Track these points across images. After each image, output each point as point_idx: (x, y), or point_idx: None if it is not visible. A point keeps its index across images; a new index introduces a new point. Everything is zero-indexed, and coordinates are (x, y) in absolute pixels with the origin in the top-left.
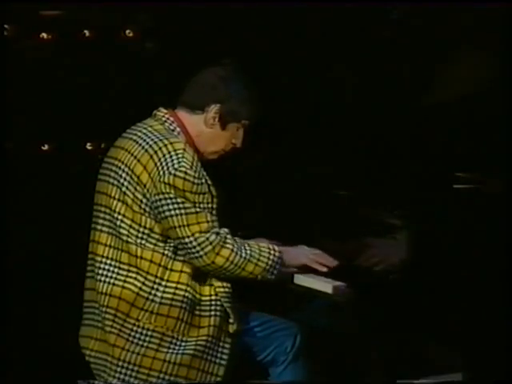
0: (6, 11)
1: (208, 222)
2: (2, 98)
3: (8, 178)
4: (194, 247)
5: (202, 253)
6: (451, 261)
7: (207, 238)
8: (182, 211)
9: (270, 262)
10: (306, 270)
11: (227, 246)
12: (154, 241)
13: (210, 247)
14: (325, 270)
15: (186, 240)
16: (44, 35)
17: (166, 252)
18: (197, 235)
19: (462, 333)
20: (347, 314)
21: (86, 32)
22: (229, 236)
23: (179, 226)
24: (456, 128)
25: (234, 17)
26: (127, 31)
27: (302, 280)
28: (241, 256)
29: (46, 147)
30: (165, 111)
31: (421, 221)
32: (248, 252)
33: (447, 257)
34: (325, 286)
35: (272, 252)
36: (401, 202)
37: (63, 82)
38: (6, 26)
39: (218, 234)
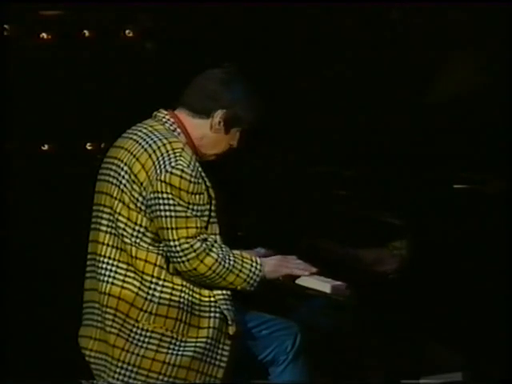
0: (5, 11)
1: (197, 227)
2: (2, 98)
3: (8, 177)
4: (178, 252)
5: (184, 259)
6: (451, 261)
7: (191, 245)
8: (173, 213)
9: (250, 275)
10: (288, 278)
11: (212, 254)
12: (148, 240)
13: (193, 254)
14: (307, 273)
15: (171, 243)
16: (44, 35)
17: (160, 252)
18: (182, 240)
19: (463, 332)
20: (347, 313)
21: (86, 32)
22: (216, 244)
23: (167, 228)
24: (456, 128)
25: (234, 17)
26: (127, 31)
27: (301, 280)
28: (223, 266)
29: (45, 147)
30: (165, 112)
31: (421, 221)
32: (231, 263)
33: (447, 257)
34: (324, 285)
35: (254, 265)
36: (401, 203)
37: (63, 82)
38: (5, 26)
39: (204, 240)
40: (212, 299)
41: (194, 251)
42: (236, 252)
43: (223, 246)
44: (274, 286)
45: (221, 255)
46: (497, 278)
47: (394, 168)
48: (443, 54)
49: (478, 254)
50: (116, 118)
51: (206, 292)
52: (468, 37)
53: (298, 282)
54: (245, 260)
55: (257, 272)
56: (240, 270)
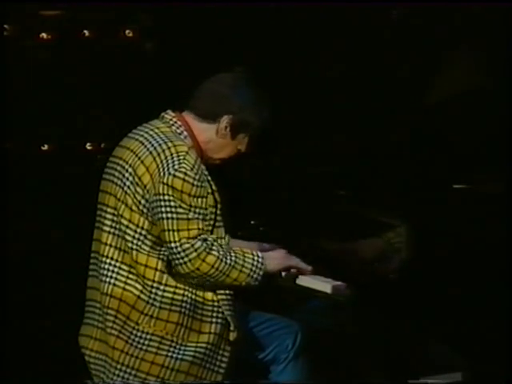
0: (5, 11)
1: (198, 229)
2: (2, 98)
3: (8, 177)
4: (179, 253)
5: (186, 259)
6: (451, 261)
7: (192, 245)
8: (174, 215)
9: (253, 269)
10: (289, 277)
11: (213, 252)
12: (149, 243)
13: (194, 254)
14: (310, 268)
15: (172, 245)
16: (44, 35)
17: (161, 256)
18: (183, 241)
19: (463, 332)
20: (347, 313)
21: (86, 32)
22: (216, 243)
23: (168, 230)
24: (456, 128)
25: (234, 17)
26: (127, 31)
27: (301, 280)
28: (226, 263)
29: (45, 147)
30: (172, 114)
31: (420, 221)
32: (233, 258)
33: (447, 257)
34: (324, 285)
35: (256, 258)
36: (401, 202)
37: (63, 82)
38: (5, 26)
39: (205, 240)
40: (215, 303)
41: (195, 251)
42: (236, 248)
43: (223, 244)
44: (275, 286)
45: (221, 252)
46: (497, 277)
47: (394, 168)
48: (443, 54)
49: (479, 254)
50: (116, 118)
51: (209, 295)
52: (468, 37)
53: (298, 282)
54: (246, 255)
55: (259, 265)
56: (242, 265)
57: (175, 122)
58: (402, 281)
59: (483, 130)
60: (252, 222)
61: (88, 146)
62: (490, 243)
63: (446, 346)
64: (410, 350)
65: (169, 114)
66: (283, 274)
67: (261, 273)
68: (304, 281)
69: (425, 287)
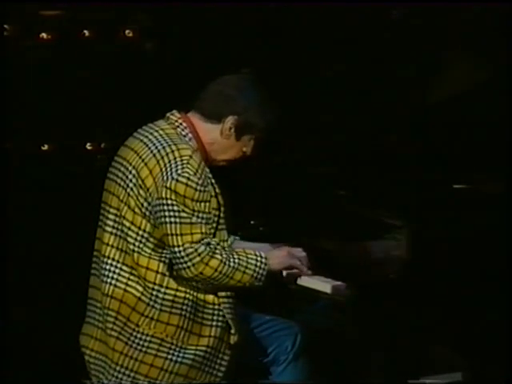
0: (5, 11)
1: (202, 233)
2: (2, 98)
3: (8, 177)
4: (183, 257)
5: (189, 264)
6: (451, 261)
7: (196, 250)
8: (177, 220)
9: (257, 269)
10: (290, 277)
11: (216, 256)
12: (151, 245)
13: (198, 258)
14: (310, 272)
15: (176, 249)
16: (44, 35)
17: (162, 259)
18: (186, 245)
19: (463, 333)
20: (347, 313)
21: (86, 32)
22: (219, 246)
23: (171, 234)
24: (456, 128)
25: (234, 17)
26: (127, 31)
27: (302, 280)
28: (229, 265)
29: (45, 147)
30: (178, 115)
31: (421, 221)
32: (236, 260)
33: (447, 257)
34: (324, 285)
35: (259, 259)
36: (401, 202)
37: (63, 81)
38: (5, 25)
39: (208, 244)
40: (216, 306)
41: (199, 255)
42: (239, 249)
43: (226, 246)
44: (276, 289)
45: (224, 255)
46: (497, 277)
47: (394, 168)
48: (443, 54)
49: (478, 254)
50: (116, 118)
51: (210, 298)
52: (468, 37)
53: (299, 282)
54: (249, 256)
55: (262, 266)
56: (246, 267)
57: (180, 124)
58: (402, 281)
59: (483, 129)
60: (252, 222)
61: (88, 146)
62: (490, 243)
63: (446, 346)
64: (409, 350)
65: (174, 115)
66: (284, 273)
67: (264, 273)
68: (304, 281)
69: (425, 287)
